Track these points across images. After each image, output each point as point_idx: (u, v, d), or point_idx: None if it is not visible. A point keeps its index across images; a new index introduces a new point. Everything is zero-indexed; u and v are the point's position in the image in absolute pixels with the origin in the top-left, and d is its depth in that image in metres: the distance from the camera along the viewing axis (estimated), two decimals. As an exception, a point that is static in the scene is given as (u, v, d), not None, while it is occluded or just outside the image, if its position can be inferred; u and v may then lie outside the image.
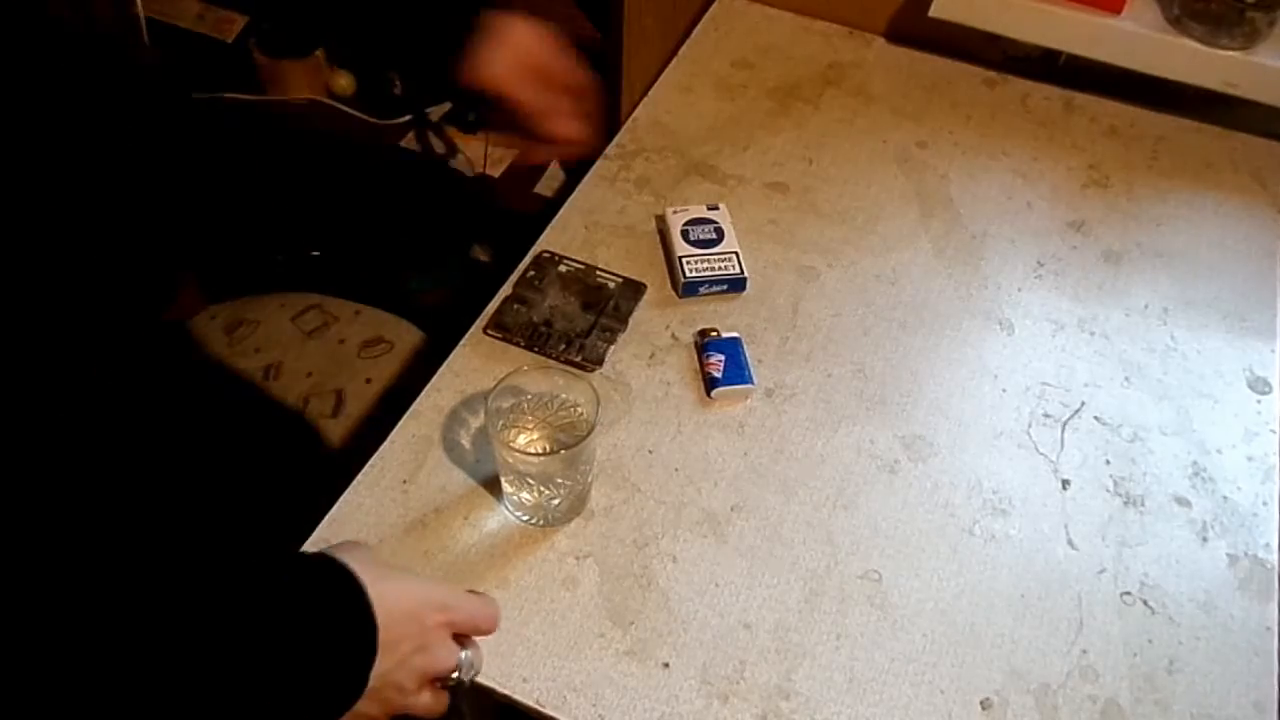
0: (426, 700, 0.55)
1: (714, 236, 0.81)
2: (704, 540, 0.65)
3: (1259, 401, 0.76)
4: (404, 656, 0.52)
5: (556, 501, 0.64)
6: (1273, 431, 0.73)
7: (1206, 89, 0.91)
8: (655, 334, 0.77)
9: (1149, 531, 0.67)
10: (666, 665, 0.59)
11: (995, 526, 0.67)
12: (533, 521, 0.65)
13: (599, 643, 0.60)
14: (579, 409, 0.65)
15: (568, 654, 0.59)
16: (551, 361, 0.73)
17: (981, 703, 0.59)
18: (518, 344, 0.75)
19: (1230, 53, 0.89)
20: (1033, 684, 0.60)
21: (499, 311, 0.77)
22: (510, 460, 0.61)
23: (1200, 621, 0.63)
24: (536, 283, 0.79)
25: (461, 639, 0.57)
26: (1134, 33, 0.91)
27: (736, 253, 0.80)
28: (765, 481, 0.68)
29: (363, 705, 0.51)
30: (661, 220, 0.84)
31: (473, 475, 0.68)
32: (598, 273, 0.80)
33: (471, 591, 0.60)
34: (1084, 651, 0.61)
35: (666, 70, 1.01)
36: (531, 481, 0.62)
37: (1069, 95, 1.01)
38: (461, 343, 0.75)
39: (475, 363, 0.74)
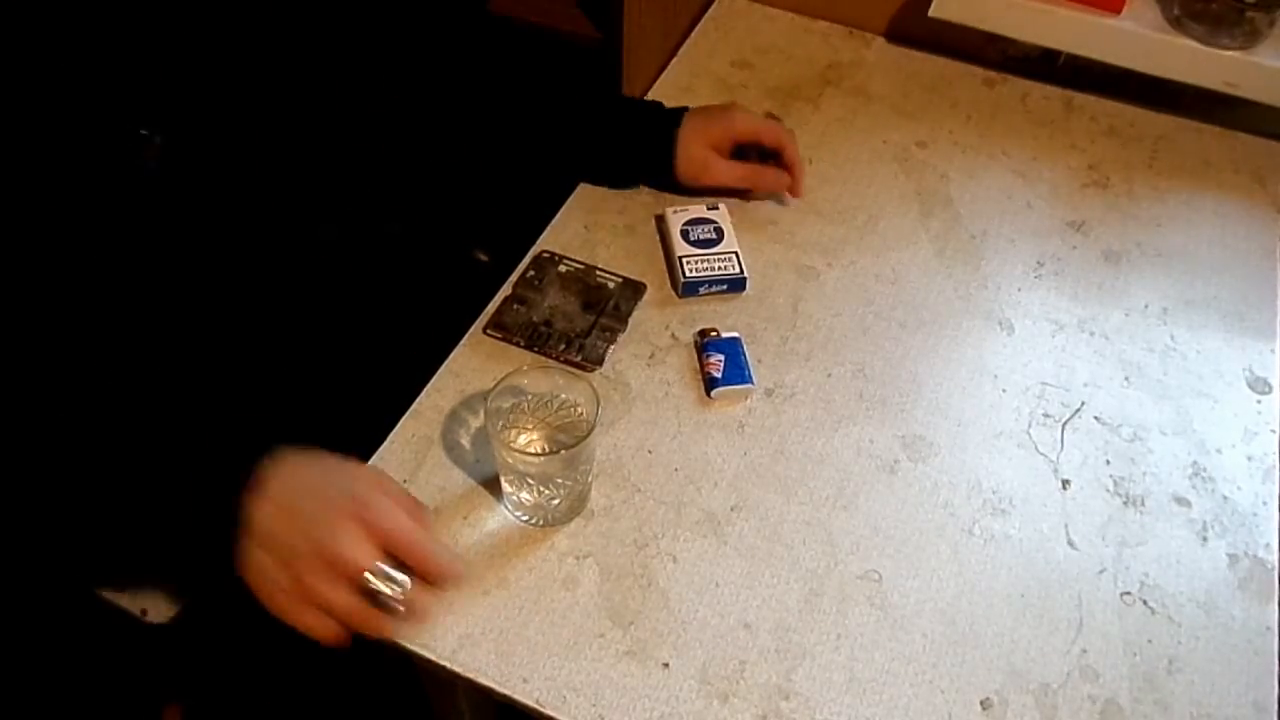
0: (343, 598, 0.53)
1: (714, 236, 0.81)
2: (704, 540, 0.65)
3: (1259, 401, 0.75)
4: (301, 523, 0.53)
5: (556, 501, 0.64)
6: (1273, 431, 0.73)
7: (1206, 89, 0.91)
8: (655, 334, 0.77)
9: (1149, 531, 0.67)
10: (666, 665, 0.59)
11: (995, 526, 0.67)
12: (532, 521, 0.65)
13: (599, 643, 0.60)
14: (579, 409, 0.65)
15: (567, 654, 0.59)
16: (551, 361, 0.73)
17: (981, 703, 0.59)
18: (518, 344, 0.75)
19: (1230, 53, 0.89)
20: (1032, 684, 0.60)
21: (499, 311, 0.77)
22: (510, 460, 0.61)
23: (1200, 621, 0.63)
24: (536, 283, 0.79)
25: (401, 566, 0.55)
26: (1134, 33, 0.91)
27: (736, 252, 0.80)
28: (765, 481, 0.68)
29: (260, 556, 0.54)
30: (661, 220, 0.84)
31: (472, 475, 0.68)
32: (598, 273, 0.80)
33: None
34: (1084, 651, 0.61)
35: (666, 70, 1.01)
36: (531, 481, 0.62)
37: (1069, 95, 1.01)
38: (461, 343, 0.75)
39: (475, 363, 0.74)
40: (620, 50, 0.97)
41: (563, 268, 0.80)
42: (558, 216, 0.85)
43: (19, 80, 0.53)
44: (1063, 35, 0.94)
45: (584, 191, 0.87)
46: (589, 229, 0.84)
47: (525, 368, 0.65)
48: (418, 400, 0.72)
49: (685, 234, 0.81)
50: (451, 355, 0.74)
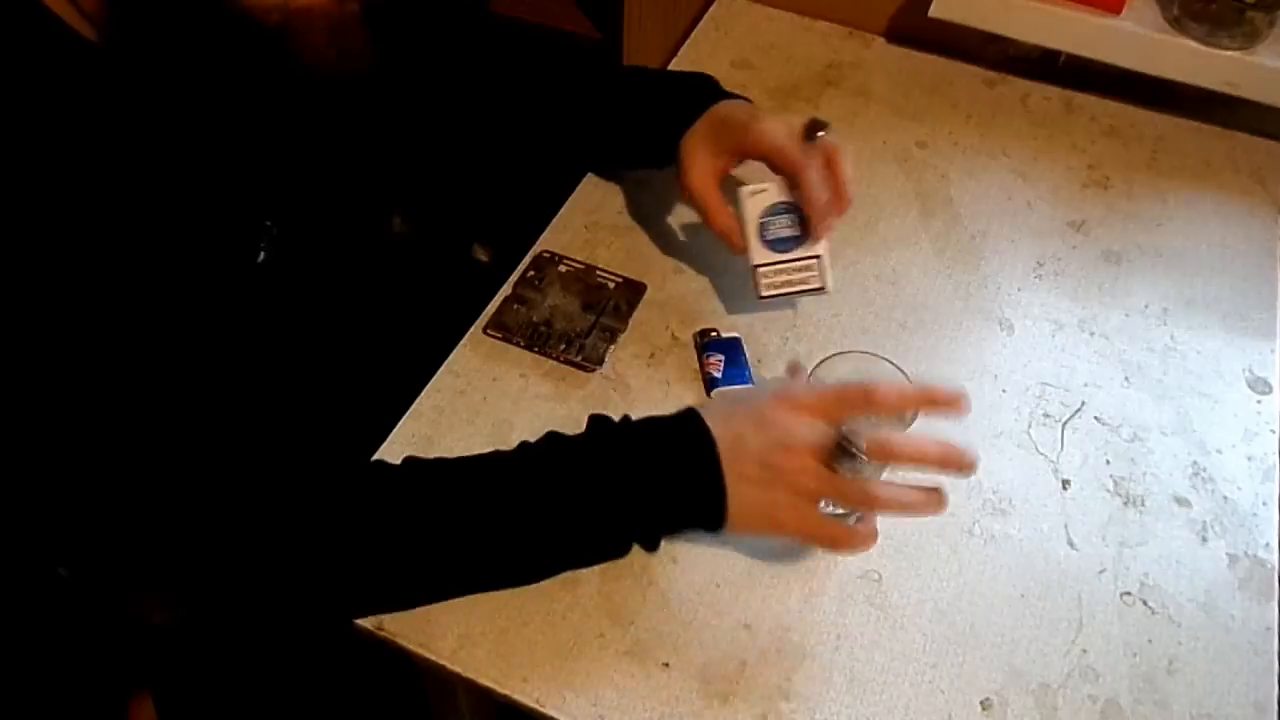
0: (835, 483, 0.57)
1: (796, 232, 0.71)
2: (704, 540, 0.65)
3: (1259, 401, 0.75)
4: (757, 443, 0.56)
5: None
6: (1273, 431, 0.73)
7: (1206, 89, 0.91)
8: (655, 334, 0.77)
9: (1149, 531, 0.67)
10: (666, 665, 0.59)
11: (995, 526, 0.67)
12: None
13: (599, 643, 0.60)
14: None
15: (568, 654, 0.59)
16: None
17: (981, 703, 0.59)
18: (518, 344, 0.75)
19: (1230, 53, 0.89)
20: (1033, 684, 0.60)
21: (499, 311, 0.77)
22: None
23: (1200, 621, 0.63)
24: (536, 283, 0.79)
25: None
26: (1134, 33, 0.91)
27: (819, 257, 0.70)
28: (765, 481, 0.68)
29: (745, 492, 0.56)
30: (737, 201, 0.72)
31: (473, 475, 0.67)
32: (598, 273, 0.80)
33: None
34: (1084, 651, 0.61)
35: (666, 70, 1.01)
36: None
37: (1069, 95, 1.01)
38: (461, 342, 0.75)
39: (475, 363, 0.74)
40: (620, 50, 0.97)
41: (563, 268, 0.80)
42: (558, 216, 0.85)
43: (150, 180, 0.55)
44: (1063, 35, 0.94)
45: (584, 191, 0.87)
46: (589, 229, 0.84)
47: (844, 354, 0.62)
48: (418, 400, 0.72)
49: (764, 229, 0.70)
50: (451, 355, 0.75)
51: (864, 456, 0.56)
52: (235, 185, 0.63)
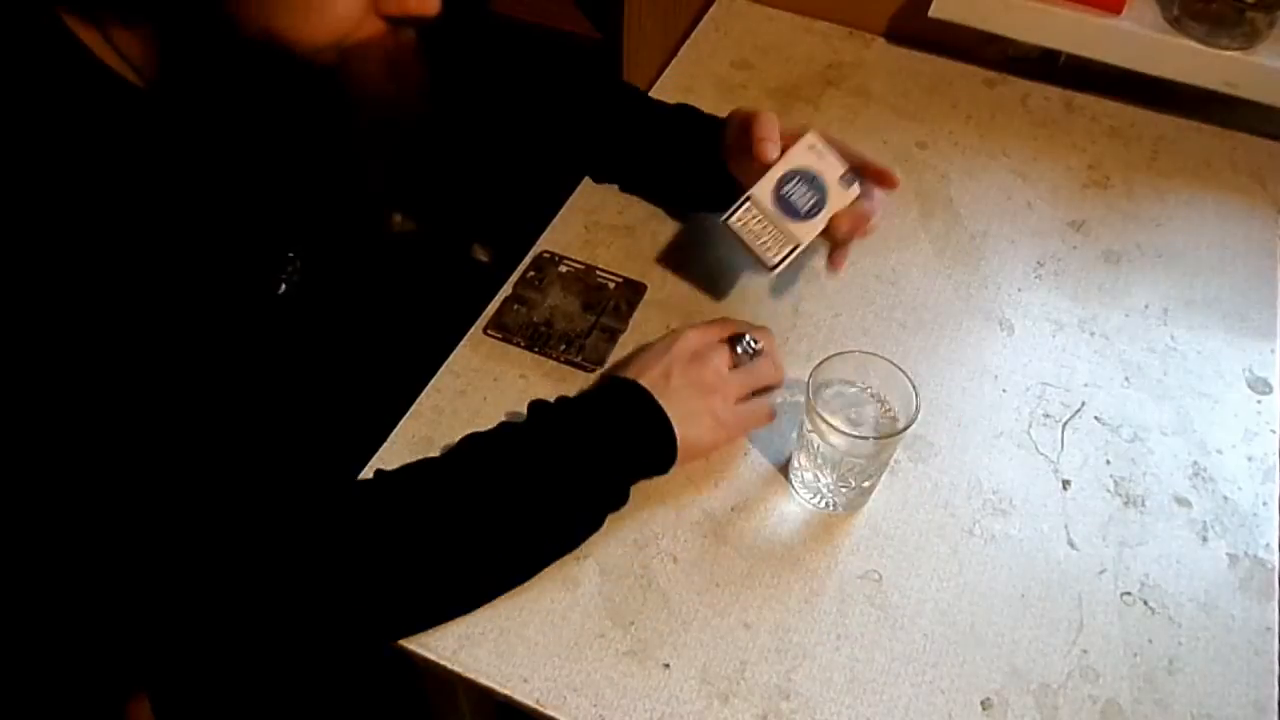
0: (735, 379, 0.67)
1: (805, 210, 0.67)
2: (704, 540, 0.65)
3: (1259, 401, 0.75)
4: (682, 378, 0.65)
5: (845, 489, 0.65)
6: (1273, 431, 0.73)
7: (1206, 89, 0.91)
8: (656, 334, 0.77)
9: (1149, 531, 0.67)
10: (667, 665, 0.59)
11: (995, 526, 0.67)
12: (815, 502, 0.67)
13: (599, 643, 0.60)
14: (890, 408, 0.65)
15: (568, 654, 0.59)
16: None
17: (982, 703, 0.59)
18: (518, 344, 0.75)
19: (1230, 53, 0.89)
20: (1033, 684, 0.60)
21: (499, 311, 0.77)
22: (820, 431, 0.62)
23: (1200, 621, 0.63)
24: (537, 283, 0.79)
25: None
26: (1134, 33, 0.91)
27: (798, 245, 0.67)
28: (765, 481, 0.68)
29: (688, 429, 0.63)
30: (791, 144, 0.69)
31: (473, 475, 0.67)
32: (598, 273, 0.80)
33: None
34: (1084, 651, 0.61)
35: (666, 70, 1.01)
36: (825, 461, 0.63)
37: (1069, 95, 1.01)
38: (462, 343, 0.75)
39: (475, 363, 0.74)
40: (620, 50, 0.97)
41: (563, 268, 0.80)
42: (558, 216, 0.85)
43: (191, 218, 0.56)
44: (1063, 35, 0.94)
45: (584, 191, 0.87)
46: (589, 229, 0.84)
47: (844, 354, 0.65)
48: (418, 400, 0.72)
49: (785, 181, 0.67)
50: (452, 355, 0.75)
51: (756, 343, 0.68)
52: (264, 220, 0.63)
